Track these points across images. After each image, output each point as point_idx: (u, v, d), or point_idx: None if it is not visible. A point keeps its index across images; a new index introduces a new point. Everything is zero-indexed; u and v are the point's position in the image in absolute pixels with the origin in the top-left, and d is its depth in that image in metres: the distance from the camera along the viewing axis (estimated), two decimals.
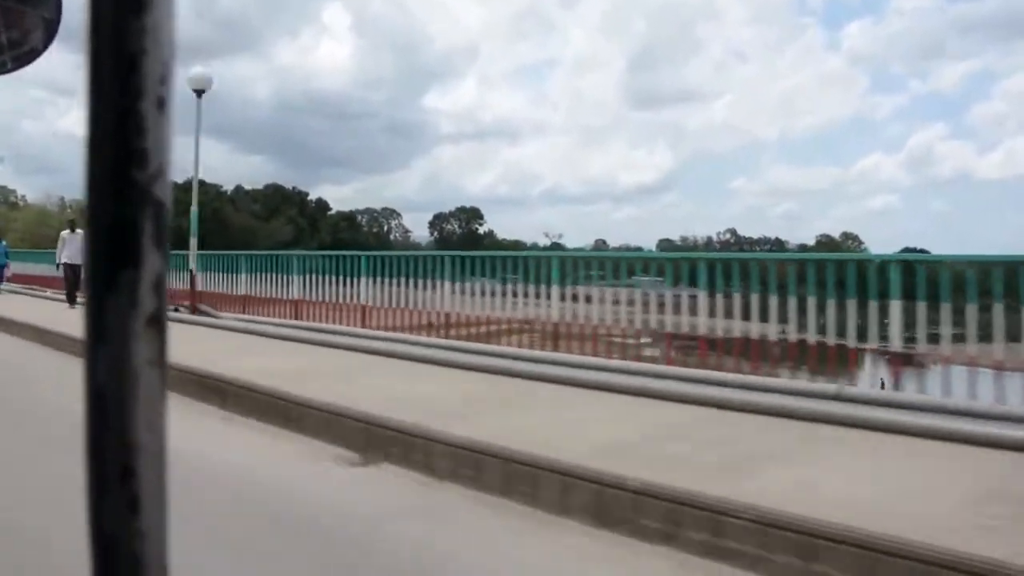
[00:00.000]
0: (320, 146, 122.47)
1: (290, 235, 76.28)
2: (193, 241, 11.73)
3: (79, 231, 12.46)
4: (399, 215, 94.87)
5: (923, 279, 5.35)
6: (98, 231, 0.25)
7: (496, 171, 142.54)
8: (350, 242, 73.96)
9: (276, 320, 10.43)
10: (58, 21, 0.55)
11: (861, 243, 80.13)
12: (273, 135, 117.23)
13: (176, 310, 11.23)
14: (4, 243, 19.35)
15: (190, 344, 7.26)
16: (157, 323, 0.27)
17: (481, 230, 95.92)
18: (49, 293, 16.23)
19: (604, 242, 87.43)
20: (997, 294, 5.02)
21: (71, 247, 13.33)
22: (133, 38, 0.24)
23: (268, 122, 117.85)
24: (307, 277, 10.65)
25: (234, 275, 12.15)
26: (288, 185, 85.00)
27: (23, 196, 75.30)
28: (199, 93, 11.88)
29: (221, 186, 79.70)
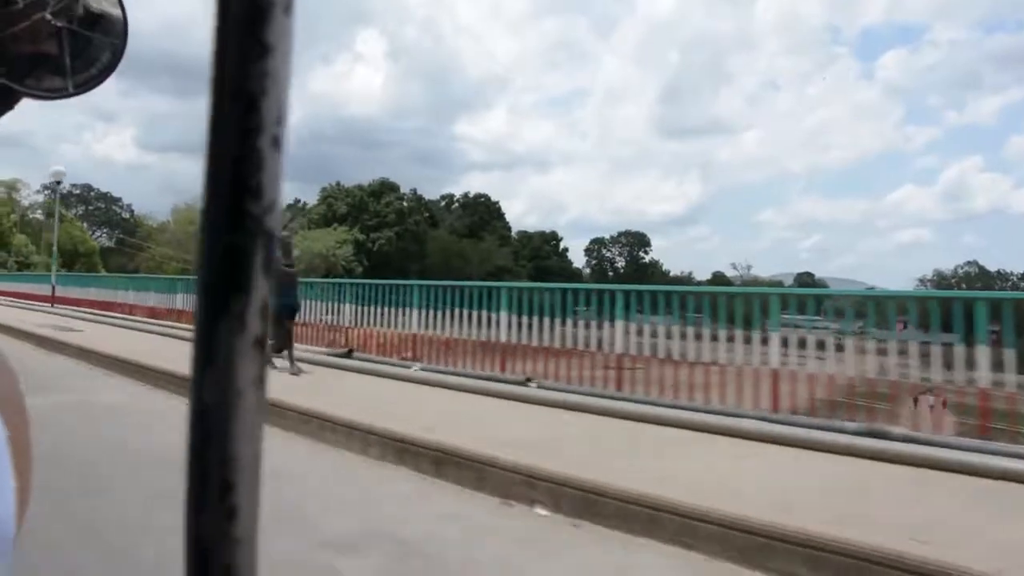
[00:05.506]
0: (350, 173, 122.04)
1: (508, 258, 67.05)
2: None
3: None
4: None
5: None
6: (212, 259, 0.27)
7: (524, 200, 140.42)
8: (559, 271, 69.64)
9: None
10: (124, 46, 0.58)
11: None
12: (302, 162, 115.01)
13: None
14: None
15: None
16: (260, 345, 0.29)
17: (646, 259, 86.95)
18: None
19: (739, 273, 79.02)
20: None
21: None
22: (254, 81, 0.25)
23: (298, 148, 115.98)
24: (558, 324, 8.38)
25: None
26: None
27: (129, 205, 75.44)
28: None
29: (415, 190, 71.08)
